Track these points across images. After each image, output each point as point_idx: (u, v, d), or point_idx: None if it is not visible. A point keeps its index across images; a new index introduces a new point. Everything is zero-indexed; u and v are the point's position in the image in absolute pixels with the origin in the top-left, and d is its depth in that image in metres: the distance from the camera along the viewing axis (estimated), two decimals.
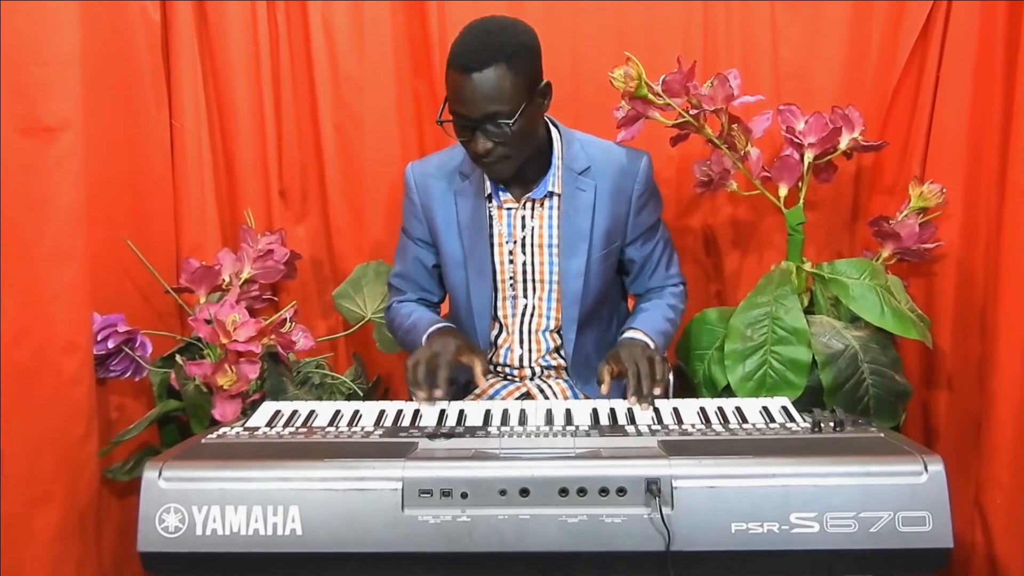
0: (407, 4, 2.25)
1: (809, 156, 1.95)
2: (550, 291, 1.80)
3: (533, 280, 1.80)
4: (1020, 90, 1.78)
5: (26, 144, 1.60)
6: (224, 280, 2.02)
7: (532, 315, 1.83)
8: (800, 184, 1.97)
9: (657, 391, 1.53)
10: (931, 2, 2.03)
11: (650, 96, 1.88)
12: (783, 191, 1.97)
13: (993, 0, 1.89)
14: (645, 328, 1.74)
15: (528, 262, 1.79)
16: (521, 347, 1.85)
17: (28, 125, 1.60)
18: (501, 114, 1.55)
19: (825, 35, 2.17)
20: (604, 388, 1.57)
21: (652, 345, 1.70)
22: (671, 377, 2.05)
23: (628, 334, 1.73)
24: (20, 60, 1.58)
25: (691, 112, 1.91)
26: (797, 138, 1.95)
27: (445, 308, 1.98)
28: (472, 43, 1.54)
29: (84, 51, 1.73)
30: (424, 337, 1.71)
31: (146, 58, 2.10)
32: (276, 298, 2.27)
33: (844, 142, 1.96)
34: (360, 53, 2.25)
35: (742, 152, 1.97)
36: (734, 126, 1.95)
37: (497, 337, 1.86)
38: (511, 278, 1.80)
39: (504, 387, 1.88)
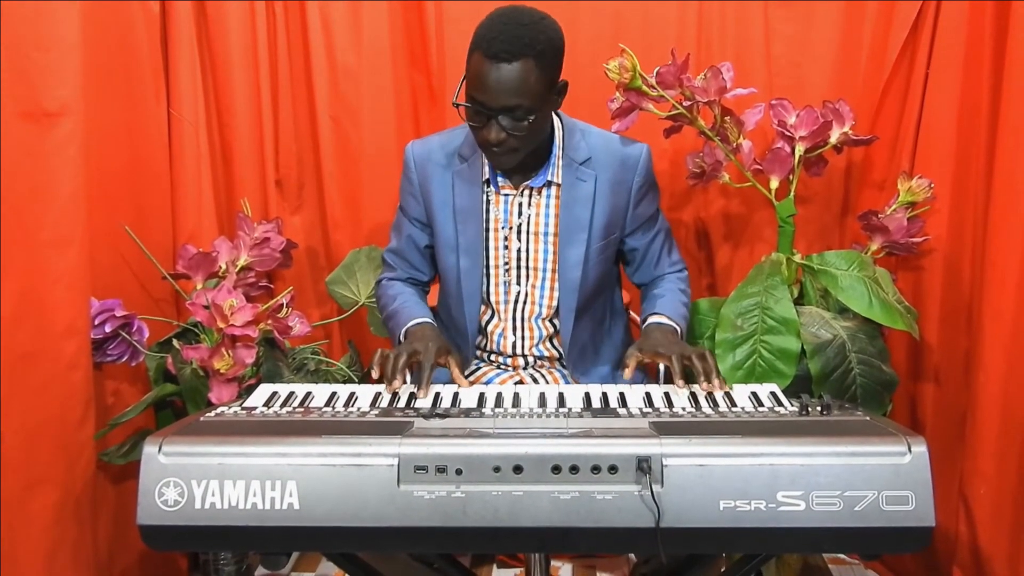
0: None
1: (800, 149, 1.98)
2: (543, 279, 1.81)
3: (527, 267, 1.81)
4: (1007, 87, 1.81)
5: (27, 129, 1.61)
6: (220, 267, 2.04)
7: (525, 302, 1.84)
8: (791, 177, 2.00)
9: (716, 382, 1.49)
10: (921, 1, 2.06)
11: (644, 88, 1.91)
12: (774, 184, 2.00)
13: None
14: (668, 312, 1.73)
15: (523, 249, 1.80)
16: (514, 334, 1.87)
17: (29, 110, 1.62)
18: (521, 108, 1.56)
19: (817, 32, 2.20)
20: (628, 373, 1.57)
21: (677, 329, 1.70)
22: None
23: (654, 319, 1.73)
24: (21, 45, 1.60)
25: (684, 104, 1.94)
26: (788, 131, 1.98)
27: (434, 291, 2.00)
28: (505, 33, 1.53)
29: (85, 39, 1.74)
30: (402, 332, 1.73)
31: (145, 47, 2.11)
32: (272, 286, 2.29)
33: (835, 136, 1.99)
34: (357, 45, 2.27)
35: (734, 144, 2.00)
36: (727, 118, 1.98)
37: (488, 323, 1.88)
38: (505, 264, 1.81)
39: (497, 375, 1.90)
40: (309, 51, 2.28)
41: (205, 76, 2.28)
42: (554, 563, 2.31)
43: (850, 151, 2.19)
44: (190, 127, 2.24)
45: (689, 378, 1.52)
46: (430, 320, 1.77)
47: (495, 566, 2.33)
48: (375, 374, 1.52)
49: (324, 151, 2.32)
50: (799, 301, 1.99)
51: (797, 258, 2.00)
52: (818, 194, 2.27)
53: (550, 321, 1.85)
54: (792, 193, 2.00)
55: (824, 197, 2.28)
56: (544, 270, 1.81)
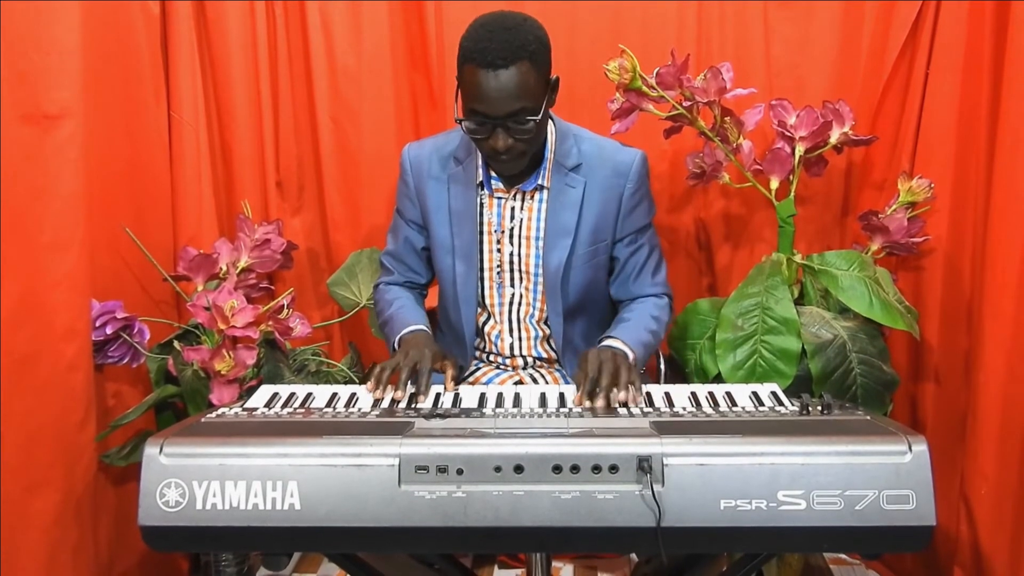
0: None
1: (800, 149, 1.98)
2: (535, 282, 1.82)
3: (520, 270, 1.81)
4: (1007, 87, 1.80)
5: (27, 132, 1.62)
6: (221, 269, 2.04)
7: (519, 303, 1.84)
8: (791, 177, 2.00)
9: (621, 395, 1.42)
10: (920, 1, 2.06)
11: (644, 88, 1.91)
12: (774, 184, 2.00)
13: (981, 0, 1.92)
14: (623, 337, 1.66)
15: (515, 252, 1.80)
16: (511, 335, 1.87)
17: (29, 113, 1.62)
18: (527, 111, 1.56)
19: (817, 32, 2.20)
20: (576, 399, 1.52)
21: (630, 355, 1.61)
22: (662, 367, 2.08)
23: (606, 342, 1.66)
24: (22, 48, 1.60)
25: (684, 104, 1.94)
26: (788, 132, 1.98)
27: (433, 292, 2.00)
28: (495, 40, 1.52)
29: (85, 41, 1.74)
30: (397, 339, 1.73)
31: (145, 50, 2.12)
32: (272, 288, 2.29)
33: (835, 136, 1.99)
34: (357, 46, 2.27)
35: (734, 144, 2.00)
36: (727, 119, 1.98)
37: (484, 324, 1.88)
38: (498, 266, 1.81)
39: (497, 375, 1.90)
40: (309, 52, 2.28)
41: (205, 78, 2.28)
42: (555, 563, 2.31)
43: (850, 151, 2.19)
44: (190, 129, 2.24)
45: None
46: (424, 327, 1.76)
47: (496, 566, 2.33)
48: (370, 388, 1.51)
49: (324, 152, 2.32)
50: (799, 301, 1.99)
51: (797, 258, 2.00)
52: (818, 194, 2.27)
53: (545, 323, 1.85)
54: (792, 193, 2.00)
55: (824, 197, 2.27)
56: (535, 274, 1.81)
